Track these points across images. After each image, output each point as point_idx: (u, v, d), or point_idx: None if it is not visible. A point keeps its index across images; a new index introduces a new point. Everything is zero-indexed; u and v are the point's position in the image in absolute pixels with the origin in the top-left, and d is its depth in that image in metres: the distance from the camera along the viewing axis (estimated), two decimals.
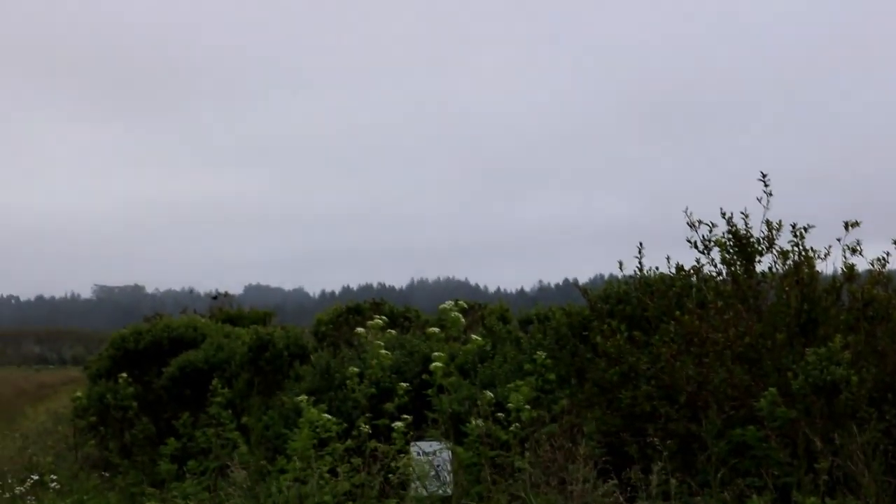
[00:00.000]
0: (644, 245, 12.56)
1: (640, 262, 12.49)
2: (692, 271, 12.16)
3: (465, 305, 11.82)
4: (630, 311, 12.33)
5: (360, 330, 12.34)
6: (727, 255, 11.69)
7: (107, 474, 19.04)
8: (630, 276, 12.71)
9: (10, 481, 15.38)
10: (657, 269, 12.50)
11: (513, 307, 26.12)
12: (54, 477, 16.11)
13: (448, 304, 11.45)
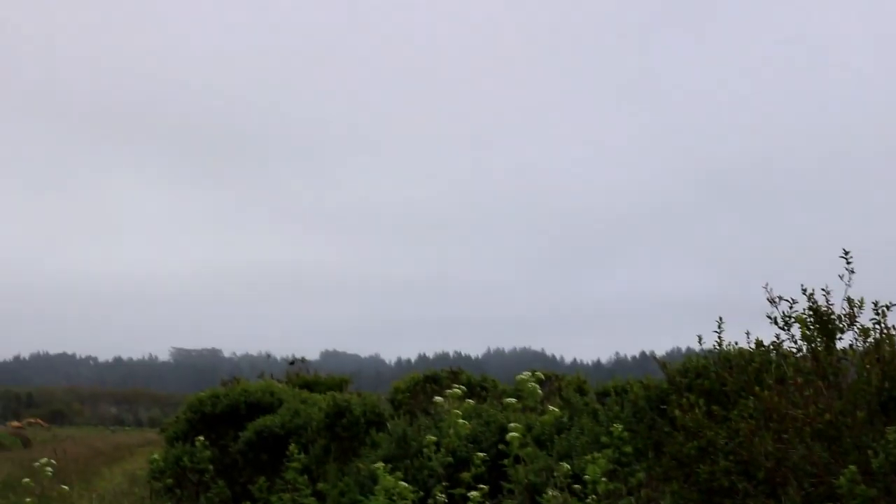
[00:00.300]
0: (722, 319, 12.54)
1: (719, 337, 12.45)
2: (772, 347, 12.09)
3: (542, 376, 11.84)
4: (709, 385, 12.26)
5: (438, 399, 12.37)
6: (808, 332, 11.61)
7: None
8: (709, 350, 12.66)
9: None
10: (736, 343, 12.45)
11: (589, 378, 26.07)
12: None
13: (525, 374, 11.46)
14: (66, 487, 14.84)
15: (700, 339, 12.50)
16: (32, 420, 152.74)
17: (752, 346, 12.20)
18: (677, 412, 11.52)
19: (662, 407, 12.45)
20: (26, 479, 14.07)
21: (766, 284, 11.84)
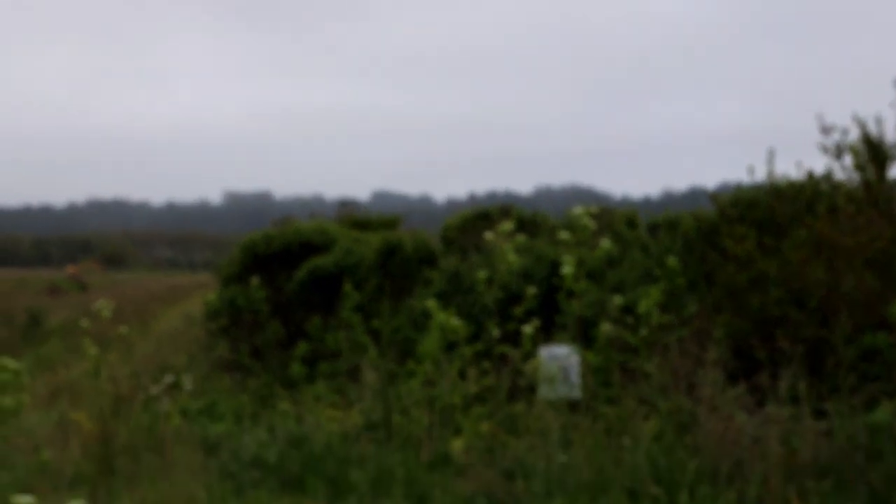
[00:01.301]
0: (773, 150, 12.48)
1: (770, 168, 12.40)
2: (823, 177, 12.04)
3: (595, 211, 11.84)
4: (760, 216, 12.24)
5: (488, 234, 12.41)
6: (859, 161, 11.55)
7: (238, 376, 19.43)
8: (760, 182, 12.63)
9: (144, 382, 15.77)
10: (787, 175, 12.41)
11: (639, 213, 26.04)
12: (188, 377, 16.49)
13: (577, 210, 11.47)
14: (124, 328, 15.02)
15: (751, 170, 12.46)
16: (89, 264, 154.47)
17: (804, 176, 12.16)
18: (728, 243, 11.54)
19: (714, 239, 12.46)
20: (85, 322, 14.26)
21: (819, 114, 11.75)
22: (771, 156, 12.35)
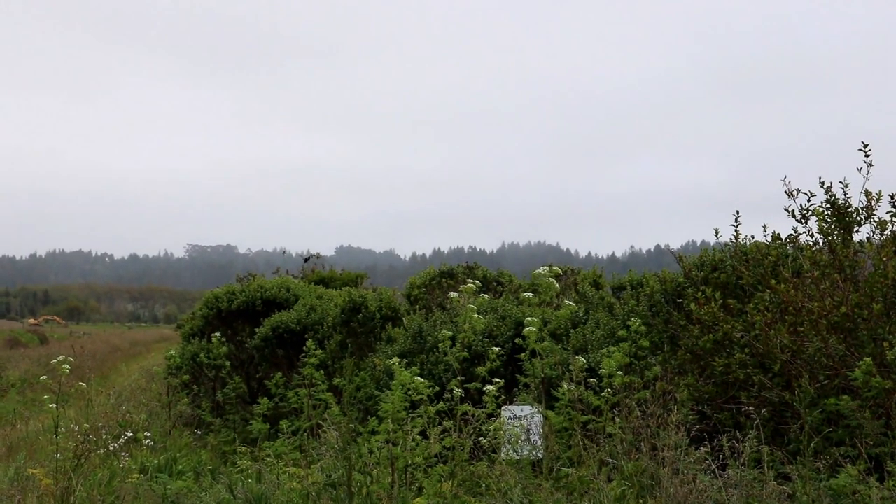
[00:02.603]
0: (739, 212, 12.52)
1: (736, 230, 12.44)
2: (789, 240, 12.07)
3: (560, 271, 11.83)
4: (725, 279, 12.27)
5: (453, 294, 12.38)
6: (825, 225, 11.57)
7: (199, 432, 19.35)
8: (725, 244, 12.66)
9: (104, 437, 15.62)
10: (753, 237, 12.44)
11: (604, 272, 26.12)
12: (148, 434, 16.37)
13: (542, 269, 11.46)
14: (83, 384, 14.92)
15: (717, 232, 12.52)
16: (49, 317, 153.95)
17: (769, 239, 12.19)
18: (693, 305, 11.56)
19: (678, 300, 12.49)
20: (44, 377, 14.15)
21: (784, 177, 11.79)
22: (737, 217, 12.39)
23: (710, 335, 11.28)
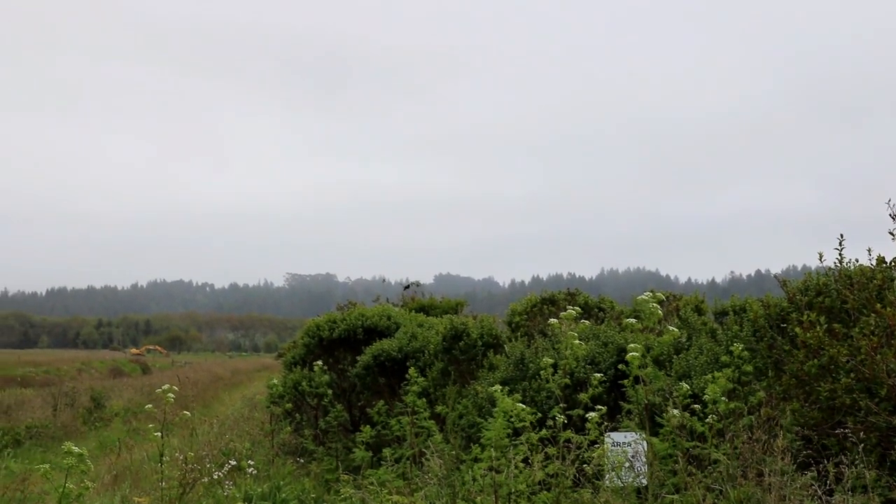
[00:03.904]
0: (843, 236, 12.39)
1: (840, 254, 12.31)
2: (893, 263, 11.93)
3: (662, 297, 11.78)
4: (829, 303, 12.14)
5: (553, 321, 12.36)
6: None
7: (302, 460, 19.45)
8: (829, 268, 12.53)
9: (208, 466, 15.77)
10: (857, 260, 12.31)
11: (705, 297, 25.93)
12: (251, 462, 16.49)
13: (646, 295, 11.42)
14: (187, 413, 15.09)
15: (821, 256, 12.39)
16: (151, 347, 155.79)
17: (874, 262, 12.05)
18: (798, 330, 11.44)
19: (782, 325, 12.37)
20: (148, 406, 14.33)
21: (889, 200, 11.67)
22: (841, 241, 12.27)
23: (816, 360, 11.16)
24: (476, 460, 11.26)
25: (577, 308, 12.20)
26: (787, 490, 9.32)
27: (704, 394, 10.98)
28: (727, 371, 11.28)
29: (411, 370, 16.35)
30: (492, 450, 10.76)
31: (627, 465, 10.79)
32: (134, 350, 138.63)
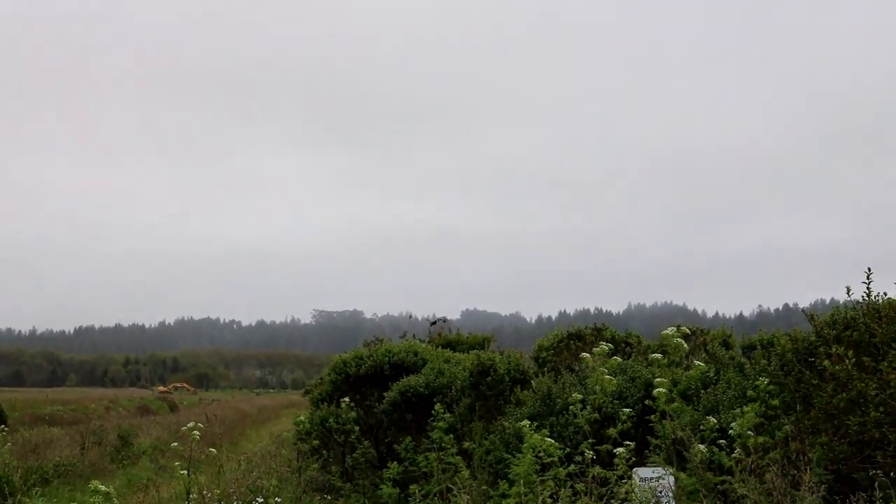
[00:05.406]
0: (871, 269, 12.35)
1: (868, 288, 12.27)
2: None
3: (688, 331, 11.76)
4: (857, 336, 12.09)
5: (585, 356, 12.35)
6: None
7: (329, 497, 19.42)
8: (857, 302, 12.48)
9: (235, 503, 15.77)
10: (885, 294, 12.26)
11: (733, 332, 25.90)
12: (279, 500, 16.49)
13: (671, 330, 11.40)
14: (214, 450, 15.10)
15: (848, 290, 12.32)
16: (178, 384, 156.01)
17: None
18: (826, 364, 11.40)
19: (810, 359, 12.32)
20: (175, 444, 14.36)
21: None
22: (869, 275, 12.22)
23: (845, 393, 11.11)
24: (504, 496, 11.24)
25: (608, 344, 12.20)
26: None
27: (732, 428, 10.95)
28: (754, 405, 11.24)
29: (438, 406, 16.35)
30: (520, 485, 10.74)
31: (655, 500, 10.76)
32: (161, 388, 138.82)
